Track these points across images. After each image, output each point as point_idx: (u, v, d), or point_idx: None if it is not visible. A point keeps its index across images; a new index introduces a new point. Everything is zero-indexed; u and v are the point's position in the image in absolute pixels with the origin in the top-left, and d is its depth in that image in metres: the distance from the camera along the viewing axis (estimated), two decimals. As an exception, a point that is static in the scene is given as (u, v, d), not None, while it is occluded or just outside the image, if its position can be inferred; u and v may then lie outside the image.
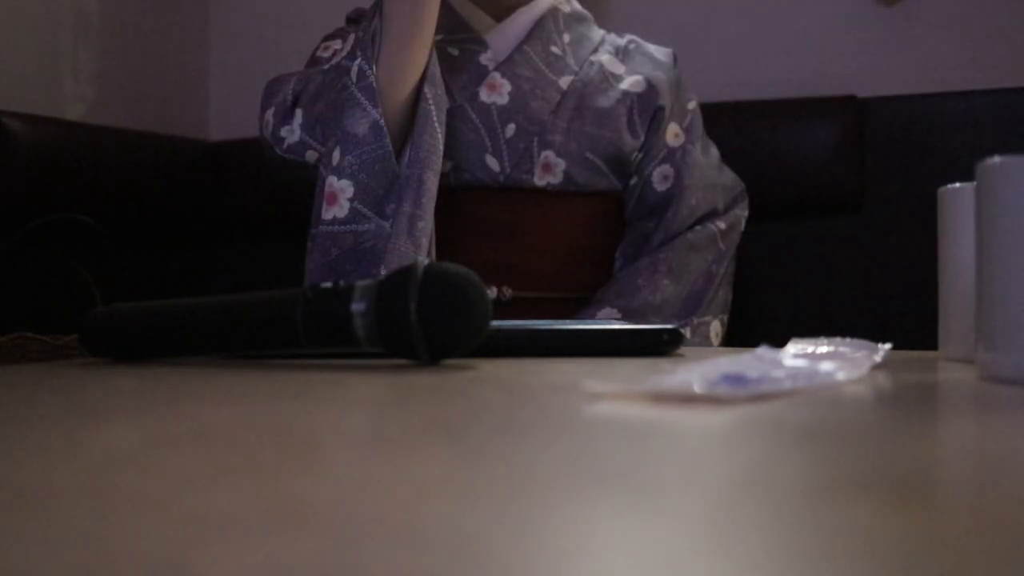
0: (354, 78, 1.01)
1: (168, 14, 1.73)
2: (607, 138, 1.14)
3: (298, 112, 1.07)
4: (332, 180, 1.00)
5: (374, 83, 1.00)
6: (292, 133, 1.07)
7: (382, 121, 0.99)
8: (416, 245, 0.99)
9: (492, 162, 1.12)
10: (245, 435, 0.36)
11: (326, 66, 1.09)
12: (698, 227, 1.16)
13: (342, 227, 1.00)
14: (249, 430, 0.37)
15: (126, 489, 0.26)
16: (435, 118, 1.02)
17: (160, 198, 1.56)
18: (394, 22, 1.01)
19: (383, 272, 0.96)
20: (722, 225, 1.17)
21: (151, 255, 1.58)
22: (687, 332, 1.10)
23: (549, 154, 1.13)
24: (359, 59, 1.02)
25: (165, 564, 0.19)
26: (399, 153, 1.01)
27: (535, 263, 1.13)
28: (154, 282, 1.56)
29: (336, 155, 1.01)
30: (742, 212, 1.20)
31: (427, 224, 1.01)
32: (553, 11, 1.19)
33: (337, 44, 1.15)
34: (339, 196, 1.00)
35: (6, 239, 1.20)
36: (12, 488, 0.27)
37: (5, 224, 1.26)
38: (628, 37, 1.23)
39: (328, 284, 0.59)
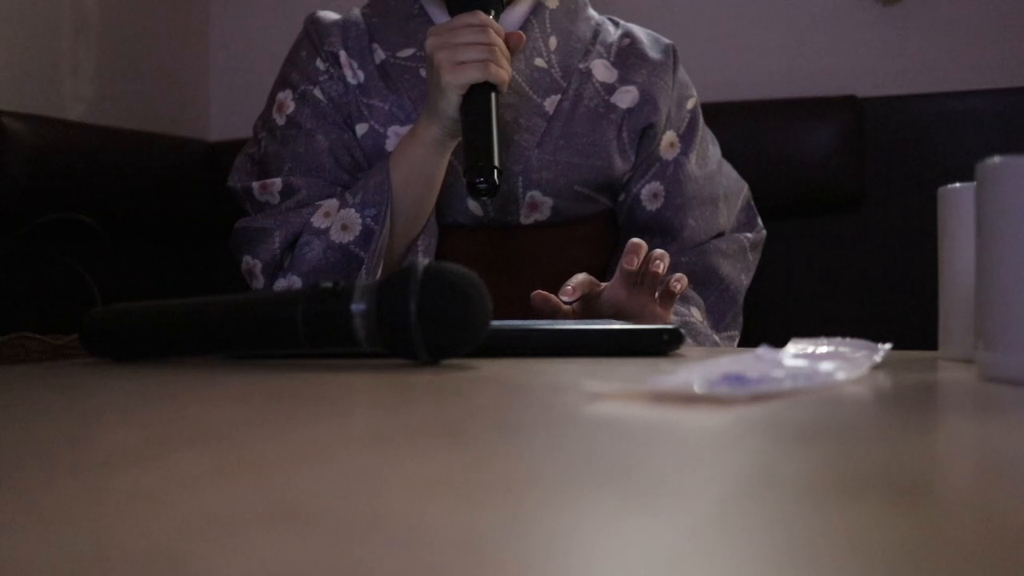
0: (362, 275, 1.01)
1: (168, 14, 1.73)
2: (596, 167, 1.07)
3: (295, 279, 1.03)
4: None
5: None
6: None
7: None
8: None
9: (474, 206, 1.06)
10: (245, 435, 0.36)
11: (323, 223, 1.02)
12: (726, 237, 1.11)
13: None
14: (248, 430, 0.37)
15: (126, 488, 0.26)
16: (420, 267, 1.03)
17: (160, 198, 1.56)
18: (404, 214, 1.02)
19: None
20: (751, 236, 1.13)
21: (151, 255, 1.58)
22: (718, 339, 1.06)
23: (535, 194, 1.06)
24: (364, 267, 1.01)
25: (165, 564, 0.19)
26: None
27: (523, 297, 1.01)
28: (154, 282, 1.56)
29: None
30: (763, 231, 1.16)
31: None
32: (538, 10, 1.10)
33: (289, 101, 1.09)
34: None
35: (6, 239, 1.20)
36: (12, 488, 0.27)
37: (5, 224, 1.26)
38: (623, 30, 1.15)
39: (328, 284, 0.59)
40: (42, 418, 0.42)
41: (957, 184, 0.65)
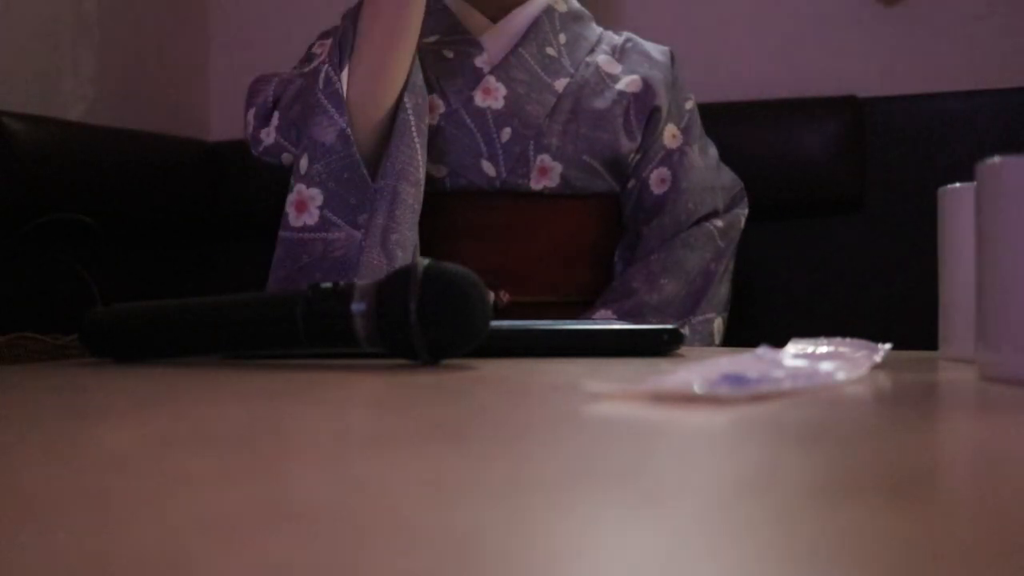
0: (321, 84, 1.01)
1: (168, 14, 1.73)
2: (604, 140, 1.13)
3: (275, 115, 1.06)
4: (301, 187, 1.00)
5: (340, 90, 1.00)
6: (269, 135, 1.06)
7: (349, 130, 0.99)
8: (390, 258, 0.98)
9: (488, 167, 1.12)
10: (245, 435, 0.36)
11: (307, 68, 1.08)
12: (694, 226, 1.15)
13: (312, 234, 0.99)
14: (249, 430, 0.37)
15: (126, 489, 0.26)
16: (413, 128, 1.02)
17: (160, 198, 1.56)
18: (374, 29, 1.00)
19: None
20: (720, 223, 1.17)
21: (151, 255, 1.58)
22: (686, 330, 1.10)
23: (545, 158, 1.12)
24: (326, 65, 1.02)
25: (165, 564, 0.19)
26: (377, 163, 1.01)
27: (532, 267, 1.13)
28: (154, 282, 1.56)
29: (304, 163, 1.01)
30: (741, 211, 1.20)
31: (402, 237, 1.00)
32: (549, 11, 1.18)
33: (326, 43, 1.14)
34: (309, 204, 1.00)
35: (6, 239, 1.20)
36: (12, 489, 0.27)
37: (5, 224, 1.26)
38: (625, 35, 1.22)
39: (328, 284, 0.59)
40: (42, 418, 0.41)
41: (957, 184, 0.65)
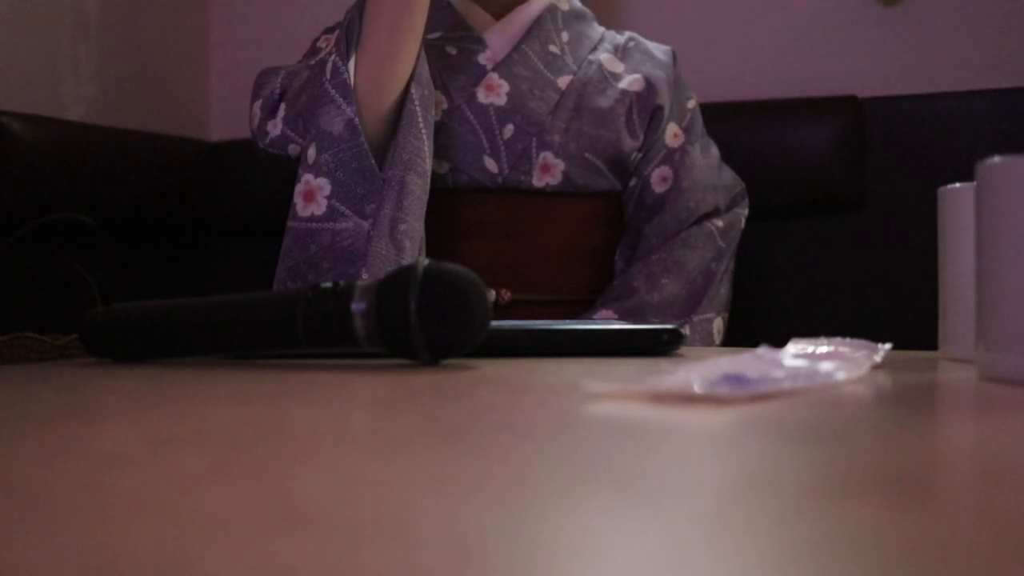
0: (328, 75, 1.00)
1: (168, 14, 1.73)
2: (606, 138, 1.13)
3: (282, 106, 1.05)
4: (309, 177, 0.99)
5: (348, 79, 0.99)
6: (275, 127, 1.05)
7: (356, 119, 0.98)
8: (398, 248, 0.98)
9: (490, 163, 1.12)
10: (245, 435, 0.36)
11: (313, 61, 1.07)
12: (694, 226, 1.16)
13: (320, 224, 0.99)
14: (249, 430, 0.37)
15: (126, 489, 0.26)
16: (420, 119, 1.01)
17: (160, 198, 1.56)
18: (381, 18, 1.00)
19: (363, 273, 0.96)
20: (720, 223, 1.17)
21: (151, 255, 1.58)
22: (686, 330, 1.10)
23: (548, 155, 1.12)
24: (333, 55, 1.01)
25: (165, 564, 0.19)
26: (384, 153, 1.01)
27: (534, 265, 1.13)
28: (154, 282, 1.56)
29: (312, 152, 0.99)
30: (742, 211, 1.20)
31: (410, 227, 0.99)
32: (552, 9, 1.19)
33: (331, 37, 1.13)
34: (316, 194, 0.99)
35: (6, 239, 1.20)
36: (12, 488, 0.27)
37: (5, 224, 1.26)
38: (628, 35, 1.23)
39: (328, 284, 0.59)
40: (42, 418, 0.41)
41: (957, 184, 0.65)
